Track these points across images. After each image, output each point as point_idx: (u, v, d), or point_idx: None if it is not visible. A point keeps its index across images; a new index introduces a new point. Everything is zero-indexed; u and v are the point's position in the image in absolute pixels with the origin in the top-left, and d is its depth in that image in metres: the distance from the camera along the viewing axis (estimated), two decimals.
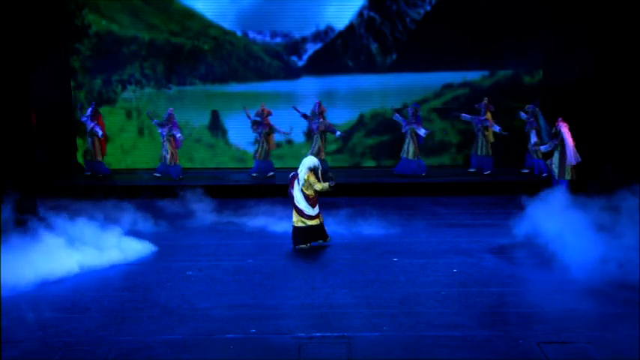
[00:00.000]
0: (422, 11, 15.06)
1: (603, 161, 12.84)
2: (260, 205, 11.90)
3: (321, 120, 13.75)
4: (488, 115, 14.01)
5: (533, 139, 13.71)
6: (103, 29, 15.03)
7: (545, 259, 8.70)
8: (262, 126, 13.71)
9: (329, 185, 9.50)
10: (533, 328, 6.76)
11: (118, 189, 13.17)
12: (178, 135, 13.74)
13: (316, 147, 13.78)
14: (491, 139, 14.09)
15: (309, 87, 15.26)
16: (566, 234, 8.79)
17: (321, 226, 9.71)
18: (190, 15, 15.04)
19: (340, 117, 15.05)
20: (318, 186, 9.46)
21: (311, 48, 15.28)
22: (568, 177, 12.01)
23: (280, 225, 10.71)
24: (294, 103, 14.17)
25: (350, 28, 15.17)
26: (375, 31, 15.18)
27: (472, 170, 14.27)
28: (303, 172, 9.53)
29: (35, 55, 14.00)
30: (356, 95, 15.08)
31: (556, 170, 12.17)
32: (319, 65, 15.27)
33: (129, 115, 15.01)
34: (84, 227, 9.26)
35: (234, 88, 15.27)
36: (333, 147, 15.16)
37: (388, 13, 15.10)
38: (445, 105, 15.14)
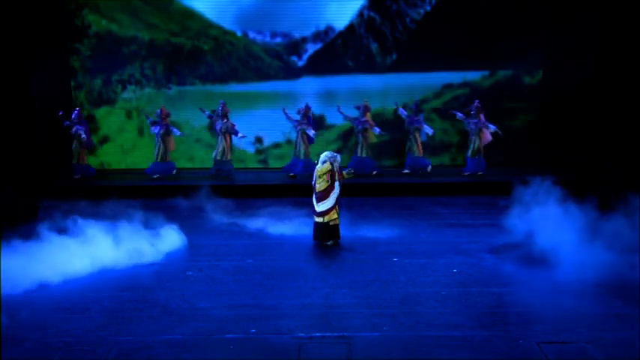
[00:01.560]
0: (422, 11, 15.08)
1: (603, 161, 12.85)
2: (268, 206, 11.89)
3: (225, 121, 13.85)
4: (368, 116, 14.02)
5: (423, 137, 14.09)
6: (103, 29, 15.04)
7: (545, 259, 8.68)
8: (160, 127, 13.77)
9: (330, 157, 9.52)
10: (533, 328, 6.75)
11: (119, 189, 13.14)
12: (83, 135, 13.81)
13: (221, 147, 13.90)
14: (373, 139, 14.10)
15: (309, 87, 15.28)
16: (565, 234, 8.79)
17: (323, 226, 9.66)
18: (190, 15, 15.05)
19: (340, 117, 15.03)
20: (321, 168, 9.42)
21: (311, 48, 15.30)
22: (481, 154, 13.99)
23: (281, 226, 10.70)
24: (295, 103, 14.17)
25: (350, 28, 15.19)
26: (375, 31, 15.18)
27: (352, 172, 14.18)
28: (317, 166, 9.60)
29: (35, 55, 14.03)
30: (356, 95, 15.05)
31: (480, 148, 13.92)
32: (319, 65, 15.29)
33: (129, 115, 15.00)
34: (83, 228, 9.24)
35: (234, 88, 15.28)
36: (333, 147, 15.13)
37: (388, 13, 15.12)
38: (445, 105, 15.14)
